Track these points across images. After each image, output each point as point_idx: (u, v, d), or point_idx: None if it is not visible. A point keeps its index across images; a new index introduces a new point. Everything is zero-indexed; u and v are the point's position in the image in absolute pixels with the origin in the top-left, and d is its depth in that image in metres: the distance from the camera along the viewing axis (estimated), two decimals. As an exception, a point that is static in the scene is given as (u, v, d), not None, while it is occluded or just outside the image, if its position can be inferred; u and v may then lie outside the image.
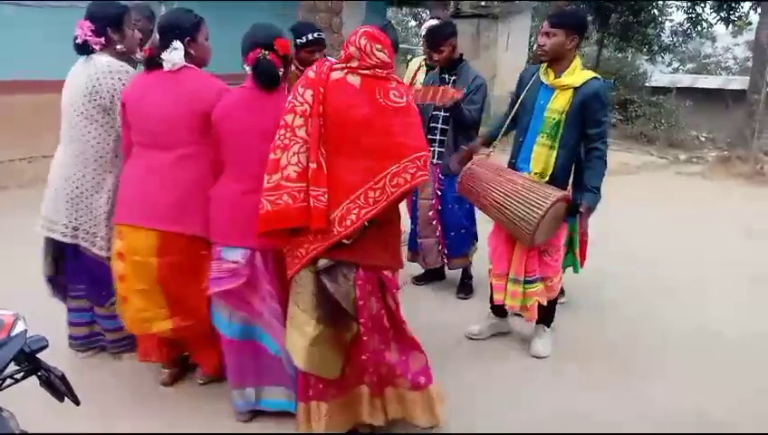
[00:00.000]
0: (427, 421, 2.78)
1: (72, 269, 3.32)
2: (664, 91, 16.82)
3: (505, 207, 3.38)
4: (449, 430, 2.95)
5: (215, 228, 2.85)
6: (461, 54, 4.40)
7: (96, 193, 3.20)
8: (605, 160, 3.45)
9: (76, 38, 3.10)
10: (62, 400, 1.88)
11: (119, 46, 3.20)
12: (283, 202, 2.50)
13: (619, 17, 15.03)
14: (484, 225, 3.90)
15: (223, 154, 2.82)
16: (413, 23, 25.16)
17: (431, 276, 4.87)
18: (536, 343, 3.83)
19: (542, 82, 3.49)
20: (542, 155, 3.48)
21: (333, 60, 2.75)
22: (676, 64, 25.77)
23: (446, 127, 4.36)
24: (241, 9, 8.05)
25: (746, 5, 14.22)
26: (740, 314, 4.58)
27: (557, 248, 3.63)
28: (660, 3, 15.33)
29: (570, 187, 3.54)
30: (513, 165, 3.63)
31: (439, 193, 4.42)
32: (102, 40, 3.13)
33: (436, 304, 4.53)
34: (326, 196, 2.49)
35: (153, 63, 2.94)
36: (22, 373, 1.79)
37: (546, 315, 3.82)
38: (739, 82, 17.49)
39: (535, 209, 3.26)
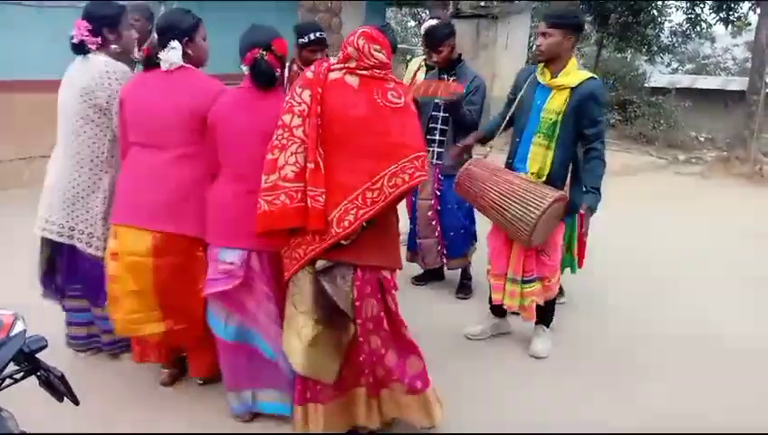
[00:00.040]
0: (422, 423, 2.77)
1: (69, 269, 3.31)
2: (663, 91, 16.85)
3: (503, 208, 3.38)
4: (449, 431, 2.95)
5: (211, 229, 2.84)
6: (459, 54, 4.40)
7: (92, 193, 3.19)
8: (603, 160, 3.45)
9: (72, 38, 3.10)
10: (61, 400, 1.88)
11: (113, 46, 3.19)
12: (281, 202, 2.50)
13: (619, 18, 15.03)
14: (484, 225, 3.89)
15: (220, 155, 2.81)
16: (412, 23, 25.16)
17: (430, 277, 4.87)
18: (536, 344, 3.83)
19: (539, 83, 3.50)
20: (539, 155, 3.48)
21: (334, 60, 2.75)
22: (675, 65, 25.76)
23: (445, 127, 4.36)
24: (240, 10, 8.04)
25: (745, 6, 14.22)
26: (740, 316, 4.58)
27: (555, 248, 3.63)
28: (659, 3, 15.33)
29: (567, 187, 3.54)
30: (510, 165, 3.63)
31: (438, 193, 4.42)
32: (99, 40, 3.13)
33: (436, 304, 4.53)
34: (324, 196, 2.49)
35: (151, 63, 2.94)
36: (21, 373, 1.79)
37: (545, 315, 3.82)
38: (738, 83, 17.50)
39: (532, 210, 3.26)
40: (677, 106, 15.64)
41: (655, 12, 15.39)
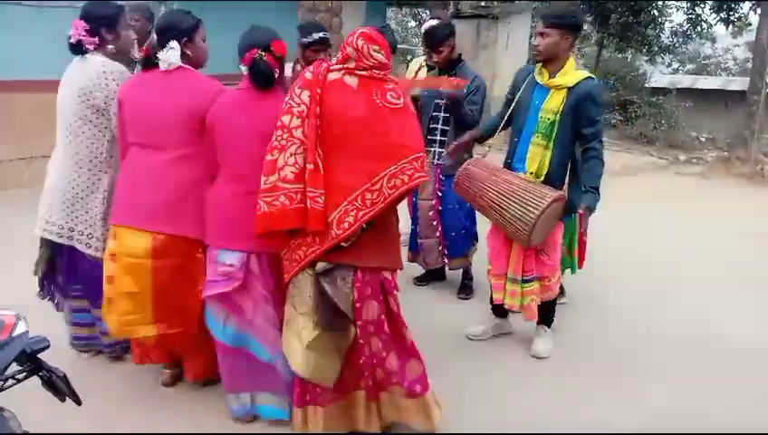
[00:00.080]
0: (422, 426, 2.77)
1: (69, 270, 3.31)
2: (664, 91, 16.84)
3: (502, 208, 3.38)
4: (449, 431, 2.95)
5: (210, 231, 2.84)
6: (459, 54, 4.41)
7: (92, 194, 3.19)
8: (602, 160, 3.45)
9: (70, 37, 3.10)
10: (63, 400, 1.88)
11: (110, 46, 3.19)
12: (280, 203, 2.49)
13: (619, 18, 15.04)
14: (485, 225, 3.90)
15: (219, 155, 2.81)
16: (413, 23, 25.16)
17: (432, 277, 4.87)
18: (537, 344, 3.83)
19: (537, 82, 3.50)
20: (538, 155, 3.48)
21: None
22: (675, 65, 25.75)
23: (446, 128, 4.37)
24: (240, 10, 8.05)
25: (746, 6, 14.23)
26: (740, 316, 4.58)
27: (554, 248, 3.63)
28: (660, 3, 15.34)
29: (566, 186, 3.54)
30: (508, 165, 3.63)
31: (440, 194, 4.42)
32: (96, 40, 3.12)
33: (437, 304, 4.54)
34: (323, 197, 2.48)
35: (150, 63, 2.93)
36: (23, 374, 1.79)
37: (546, 316, 3.83)
38: (739, 83, 17.49)
39: (532, 209, 3.26)
40: (678, 106, 15.64)
41: (655, 12, 15.41)
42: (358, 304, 2.58)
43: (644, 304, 4.69)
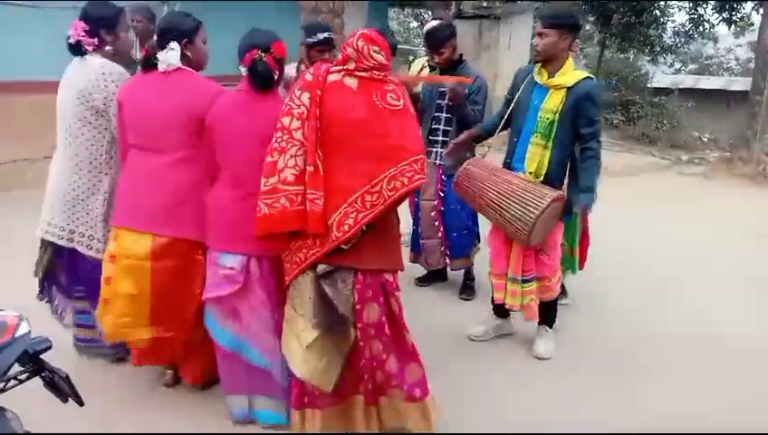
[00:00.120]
0: (421, 429, 2.75)
1: (71, 271, 3.32)
2: (666, 91, 16.81)
3: (502, 208, 3.39)
4: (449, 431, 2.95)
5: (211, 233, 2.84)
6: (461, 55, 4.41)
7: (92, 195, 3.19)
8: (599, 160, 3.47)
9: (69, 38, 3.10)
10: (65, 401, 1.89)
11: (109, 47, 3.19)
12: (281, 205, 2.48)
13: (621, 18, 15.01)
14: (486, 226, 3.90)
15: (218, 157, 2.81)
16: (415, 24, 25.16)
17: (433, 277, 4.87)
18: (539, 345, 3.83)
19: (536, 82, 3.51)
20: (537, 154, 3.49)
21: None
22: (678, 65, 25.67)
23: (448, 128, 4.37)
24: (242, 11, 8.05)
25: (748, 6, 14.20)
26: (743, 317, 4.58)
27: (554, 248, 3.63)
28: (662, 3, 15.31)
29: (565, 186, 3.54)
30: (508, 165, 3.63)
31: (442, 194, 4.42)
32: (95, 41, 3.12)
33: (439, 305, 4.54)
34: (322, 199, 2.47)
35: (149, 64, 2.93)
36: (26, 375, 1.80)
37: (548, 316, 3.83)
38: (741, 83, 17.44)
39: (531, 209, 3.26)
40: (680, 106, 15.62)
41: (657, 12, 15.38)
42: (358, 307, 2.58)
43: (645, 305, 4.69)
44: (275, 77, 2.77)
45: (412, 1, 16.54)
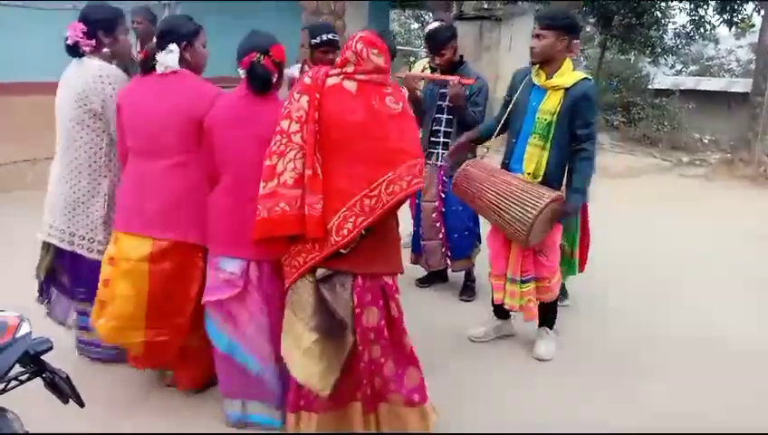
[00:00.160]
0: (418, 429, 2.74)
1: (73, 273, 3.32)
2: (667, 93, 16.84)
3: (500, 208, 3.39)
4: (449, 431, 2.95)
5: (212, 237, 2.84)
6: (461, 56, 4.42)
7: (92, 198, 3.20)
8: (592, 161, 3.48)
9: (67, 39, 3.10)
10: (66, 401, 1.89)
11: (107, 50, 3.19)
12: (280, 209, 2.48)
13: (622, 19, 15.01)
14: (487, 227, 3.90)
15: (218, 161, 2.79)
16: (416, 25, 25.18)
17: (434, 279, 4.87)
18: (539, 346, 3.83)
19: (534, 84, 3.51)
20: (535, 155, 3.49)
21: None
22: (678, 66, 25.70)
23: (449, 129, 4.38)
24: (243, 12, 8.07)
25: (749, 7, 14.18)
26: (744, 318, 4.58)
27: (552, 249, 3.63)
28: (663, 5, 15.31)
29: (563, 187, 3.54)
30: (506, 166, 3.64)
31: (443, 195, 4.42)
32: (93, 43, 3.12)
33: (439, 306, 4.54)
34: (321, 203, 2.47)
35: (148, 66, 2.93)
36: (26, 375, 1.80)
37: (548, 317, 3.83)
38: (742, 85, 17.47)
39: (529, 210, 3.27)
40: (681, 108, 15.63)
41: (658, 13, 15.37)
42: (357, 310, 2.57)
43: (646, 306, 4.69)
44: (274, 80, 2.76)
45: (413, 2, 16.55)
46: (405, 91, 4.29)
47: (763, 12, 11.78)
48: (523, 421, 3.13)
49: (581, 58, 17.70)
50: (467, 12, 11.94)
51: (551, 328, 3.89)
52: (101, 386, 3.21)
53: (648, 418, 3.23)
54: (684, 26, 16.43)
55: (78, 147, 3.15)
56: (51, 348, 1.82)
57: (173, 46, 2.87)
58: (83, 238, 3.20)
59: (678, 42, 16.94)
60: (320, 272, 2.56)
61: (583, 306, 4.57)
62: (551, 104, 3.42)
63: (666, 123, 14.60)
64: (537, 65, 3.49)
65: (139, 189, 2.92)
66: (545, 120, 3.43)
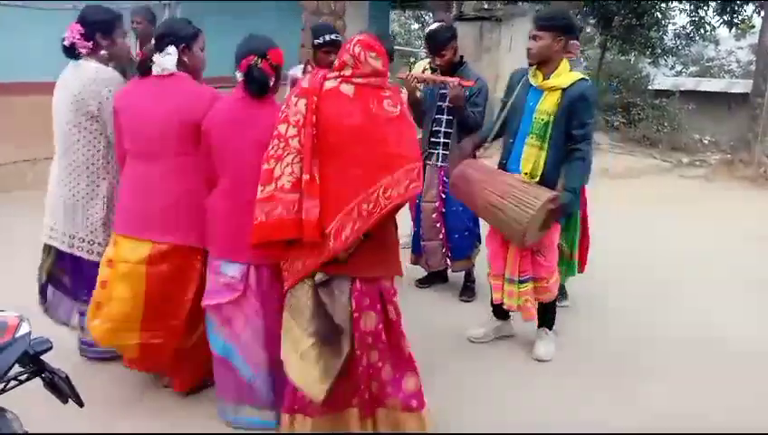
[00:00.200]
0: (415, 430, 2.74)
1: (75, 275, 3.32)
2: (667, 94, 16.83)
3: (497, 208, 3.39)
4: (449, 431, 2.95)
5: (212, 241, 2.84)
6: (461, 57, 4.42)
7: (92, 200, 3.20)
8: (587, 161, 3.50)
9: (64, 40, 3.10)
10: (65, 401, 1.89)
11: (103, 52, 3.18)
12: (278, 213, 2.47)
13: (622, 20, 15.01)
14: (487, 227, 3.90)
15: (217, 165, 2.79)
16: (416, 25, 25.18)
17: (434, 279, 4.87)
18: (539, 347, 3.83)
19: (531, 85, 3.51)
20: (532, 156, 3.49)
21: None
22: (679, 67, 25.70)
23: (449, 130, 4.38)
24: (244, 12, 8.07)
25: (749, 9, 14.19)
26: (743, 319, 4.58)
27: (550, 249, 3.63)
28: (663, 6, 15.31)
29: (560, 187, 3.54)
30: (503, 166, 3.64)
31: (443, 196, 4.42)
32: (90, 44, 3.12)
33: (439, 307, 4.53)
34: (318, 208, 2.46)
35: (145, 67, 2.92)
36: (26, 375, 1.80)
37: (546, 317, 3.83)
38: (742, 86, 17.48)
39: (526, 210, 3.27)
40: (681, 109, 15.62)
41: (658, 14, 15.37)
42: (356, 314, 2.56)
43: (646, 307, 4.69)
44: (271, 84, 2.75)
45: (413, 3, 16.56)
46: (404, 93, 4.31)
47: (763, 13, 11.78)
48: (522, 422, 3.12)
49: (581, 59, 17.67)
50: (467, 12, 11.94)
51: (550, 329, 3.89)
52: (101, 386, 3.22)
53: (647, 418, 3.23)
54: (684, 27, 16.43)
55: (75, 150, 3.15)
56: (50, 348, 1.82)
57: (171, 49, 2.87)
58: (83, 241, 3.21)
59: (678, 43, 16.94)
60: (318, 276, 2.55)
61: (583, 307, 4.57)
62: (548, 105, 3.42)
63: (666, 124, 14.59)
64: (534, 66, 3.49)
65: (138, 192, 2.92)
66: (542, 120, 3.43)
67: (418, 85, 4.41)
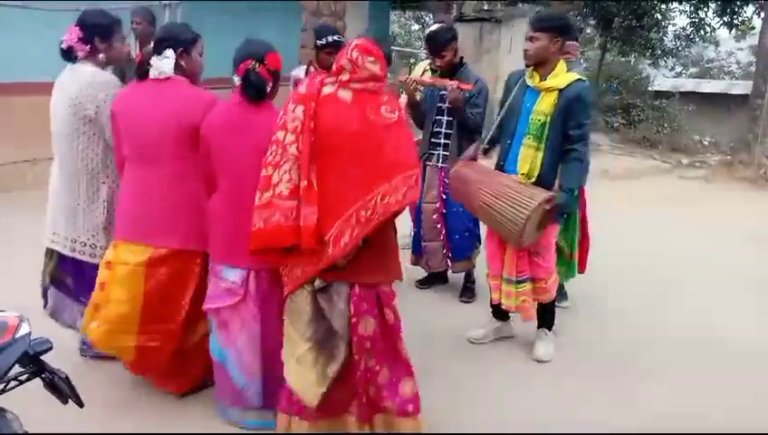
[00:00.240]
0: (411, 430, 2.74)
1: (78, 278, 3.32)
2: (667, 95, 16.86)
3: (493, 209, 3.39)
4: (449, 431, 2.95)
5: (213, 246, 2.84)
6: (461, 58, 4.43)
7: (92, 204, 3.20)
8: (583, 161, 3.50)
9: (62, 42, 3.10)
10: (65, 402, 1.88)
11: (101, 55, 3.18)
12: (276, 220, 2.47)
13: (622, 21, 15.04)
14: (487, 227, 3.90)
15: (217, 170, 2.79)
16: (416, 26, 25.19)
17: (434, 280, 4.87)
18: (538, 347, 3.83)
19: (528, 86, 3.52)
20: (529, 156, 3.50)
21: None
22: (678, 69, 25.72)
23: (449, 131, 4.38)
24: (245, 12, 8.08)
25: (749, 10, 14.20)
26: (743, 319, 4.58)
27: (548, 249, 3.64)
28: (663, 7, 15.33)
29: (556, 187, 3.55)
30: (500, 167, 3.65)
31: (444, 197, 4.42)
32: (88, 48, 3.12)
33: (439, 307, 4.53)
34: (316, 214, 2.44)
35: (143, 70, 2.92)
36: (26, 375, 1.80)
37: (545, 318, 3.83)
38: (742, 87, 17.49)
39: (521, 210, 3.27)
40: (681, 110, 15.64)
41: (658, 15, 15.40)
42: (354, 319, 2.56)
43: (646, 308, 4.69)
44: (268, 88, 2.74)
45: (414, 3, 16.57)
46: (403, 97, 4.31)
47: (763, 14, 11.79)
48: (522, 423, 3.12)
49: (581, 60, 17.69)
50: (467, 13, 11.96)
51: (549, 329, 3.89)
52: (101, 386, 3.21)
53: (647, 419, 3.23)
54: (684, 28, 16.45)
55: (74, 154, 3.15)
56: (50, 348, 1.82)
57: (169, 52, 2.86)
58: (85, 245, 3.21)
59: (678, 44, 16.97)
60: (318, 282, 2.55)
61: (583, 308, 4.57)
62: (544, 105, 3.43)
63: (666, 125, 14.61)
64: (531, 67, 3.50)
65: (138, 197, 2.92)
66: (539, 121, 3.44)
67: (419, 87, 4.41)
